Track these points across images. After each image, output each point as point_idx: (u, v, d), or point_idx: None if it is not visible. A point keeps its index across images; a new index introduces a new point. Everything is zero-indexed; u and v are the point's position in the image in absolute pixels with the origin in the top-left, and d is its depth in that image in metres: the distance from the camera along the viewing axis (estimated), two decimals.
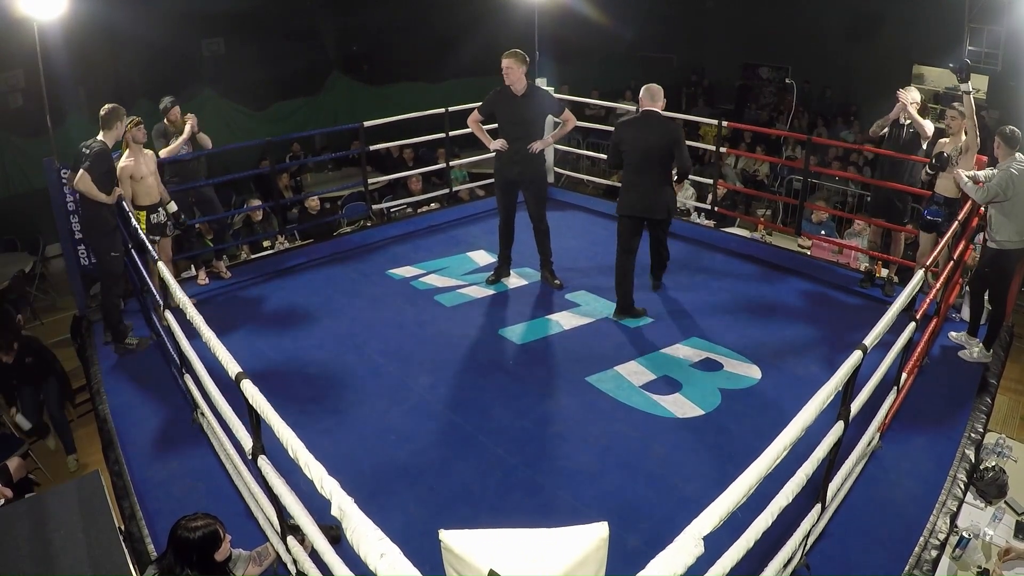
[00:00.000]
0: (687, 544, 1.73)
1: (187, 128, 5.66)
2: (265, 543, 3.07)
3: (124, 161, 4.97)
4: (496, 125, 5.47)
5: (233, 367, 2.63)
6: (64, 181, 5.27)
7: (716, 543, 1.88)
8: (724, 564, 2.00)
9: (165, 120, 5.70)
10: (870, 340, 2.94)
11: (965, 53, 10.53)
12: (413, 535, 2.79)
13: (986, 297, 4.84)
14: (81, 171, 4.51)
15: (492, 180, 5.82)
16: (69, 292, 6.29)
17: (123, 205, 4.88)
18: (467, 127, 5.58)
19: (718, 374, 4.54)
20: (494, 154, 5.44)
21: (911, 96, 5.27)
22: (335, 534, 2.76)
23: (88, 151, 4.57)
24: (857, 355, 2.81)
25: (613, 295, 5.49)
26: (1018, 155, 4.41)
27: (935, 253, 4.32)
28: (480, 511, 3.43)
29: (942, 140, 5.03)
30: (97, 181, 4.57)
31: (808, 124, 12.07)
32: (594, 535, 1.69)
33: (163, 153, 5.52)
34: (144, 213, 5.08)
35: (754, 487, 2.03)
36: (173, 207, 5.30)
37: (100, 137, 4.64)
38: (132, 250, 4.83)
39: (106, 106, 4.68)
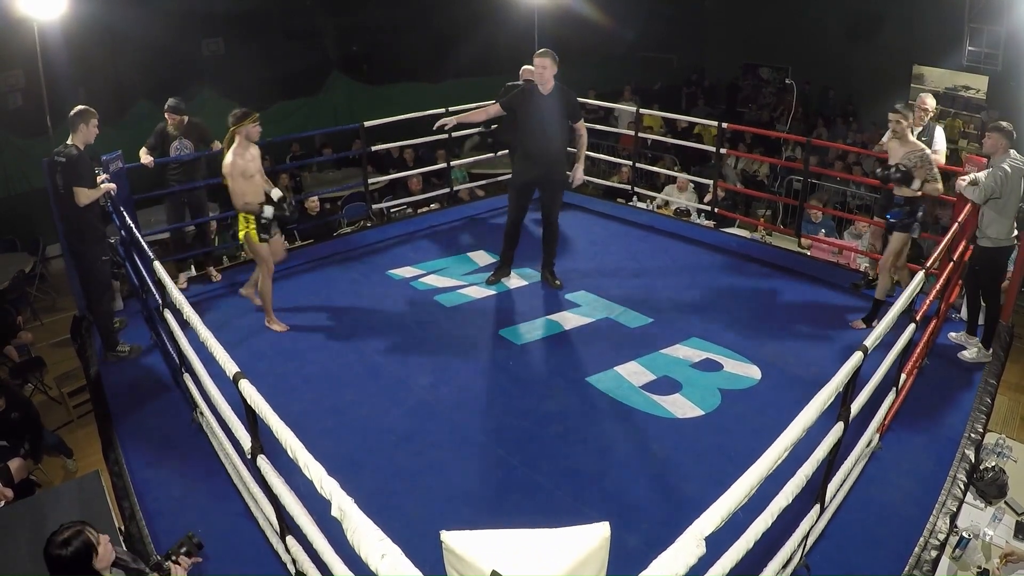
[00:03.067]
0: (689, 545, 1.73)
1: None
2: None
3: (233, 157, 4.64)
4: (506, 121, 5.39)
5: (231, 367, 2.63)
6: (62, 190, 5.24)
7: (716, 543, 1.88)
8: (724, 564, 2.00)
9: (167, 121, 5.71)
10: (871, 341, 2.93)
11: (965, 55, 10.59)
12: (413, 535, 2.78)
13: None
14: (75, 189, 4.46)
15: (492, 180, 5.81)
16: (69, 292, 6.28)
17: (116, 202, 4.87)
18: (467, 127, 5.55)
19: (718, 374, 4.54)
20: (507, 151, 5.33)
21: (929, 103, 5.21)
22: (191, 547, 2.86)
23: (64, 159, 4.42)
24: (858, 356, 2.81)
25: (614, 295, 5.50)
26: (1012, 152, 4.41)
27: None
28: (480, 511, 3.43)
29: (892, 143, 4.83)
30: (87, 186, 4.54)
31: (808, 125, 12.06)
32: (596, 535, 1.69)
33: (143, 158, 5.55)
34: (252, 216, 4.78)
35: (755, 488, 2.03)
36: (277, 193, 4.88)
37: (70, 141, 4.50)
38: (132, 250, 4.83)
39: (76, 108, 4.54)
